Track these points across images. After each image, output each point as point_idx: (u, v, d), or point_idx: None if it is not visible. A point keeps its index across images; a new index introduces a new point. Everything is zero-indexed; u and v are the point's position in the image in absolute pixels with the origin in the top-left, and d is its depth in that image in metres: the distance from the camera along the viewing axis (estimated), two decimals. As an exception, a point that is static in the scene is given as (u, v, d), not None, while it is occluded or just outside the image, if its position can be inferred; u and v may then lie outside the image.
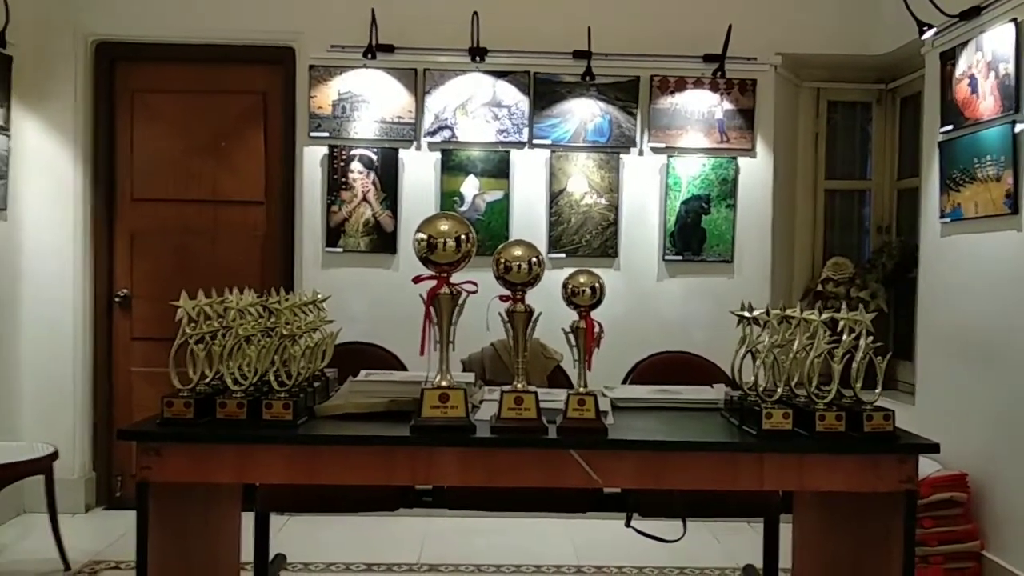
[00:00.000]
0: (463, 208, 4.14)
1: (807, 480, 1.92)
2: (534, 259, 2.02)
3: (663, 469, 1.90)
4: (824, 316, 1.97)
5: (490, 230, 4.12)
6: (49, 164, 4.09)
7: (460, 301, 1.98)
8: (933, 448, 1.92)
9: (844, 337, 1.98)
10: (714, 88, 4.17)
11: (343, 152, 4.12)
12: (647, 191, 4.20)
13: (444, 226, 1.97)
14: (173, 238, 4.25)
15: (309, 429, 1.96)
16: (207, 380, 2.01)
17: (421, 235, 1.97)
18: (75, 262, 4.13)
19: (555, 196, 4.16)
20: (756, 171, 4.23)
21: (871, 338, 1.96)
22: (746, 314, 2.09)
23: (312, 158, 4.15)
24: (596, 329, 2.01)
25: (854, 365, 1.95)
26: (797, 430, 1.92)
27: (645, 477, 1.93)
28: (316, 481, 1.97)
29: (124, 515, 4.14)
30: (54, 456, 3.32)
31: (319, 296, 2.36)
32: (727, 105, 4.18)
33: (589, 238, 4.18)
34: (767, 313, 2.03)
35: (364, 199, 4.14)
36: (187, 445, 1.89)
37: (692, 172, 4.18)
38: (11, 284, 4.00)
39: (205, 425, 1.91)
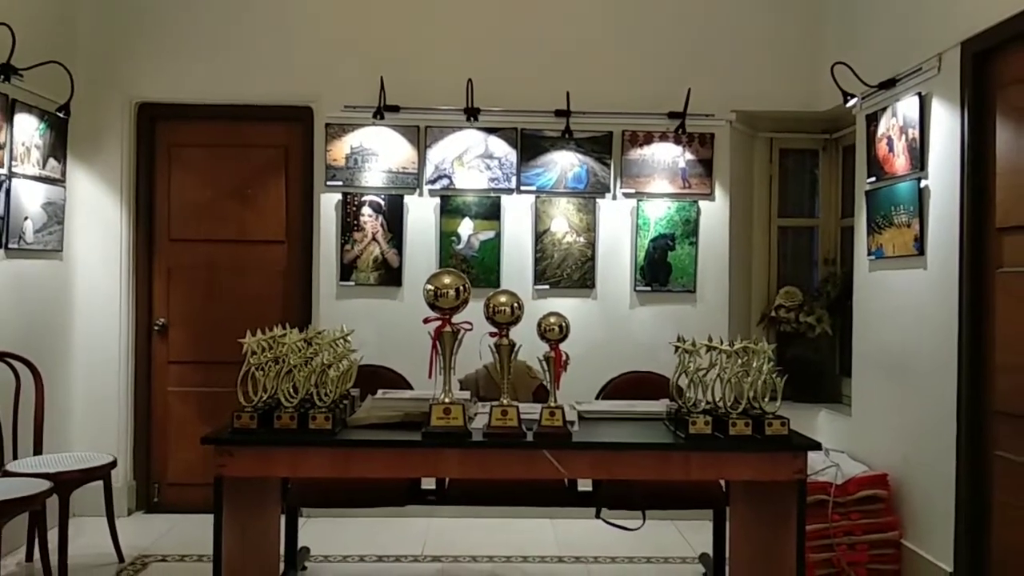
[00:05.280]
0: (460, 246, 4.75)
1: (723, 471, 2.53)
2: (516, 304, 2.63)
3: (613, 463, 2.51)
4: (737, 347, 2.58)
5: (483, 265, 4.73)
6: (98, 210, 4.68)
7: (459, 337, 2.59)
8: (816, 446, 2.53)
9: (754, 363, 2.59)
10: (677, 141, 4.80)
11: (355, 198, 4.73)
12: (620, 230, 4.81)
13: (447, 279, 2.59)
14: (205, 273, 4.84)
15: (344, 436, 2.56)
16: (263, 398, 2.61)
17: (429, 286, 2.59)
18: (120, 295, 4.71)
19: (540, 235, 4.77)
20: (715, 212, 4.85)
21: (772, 363, 2.56)
22: (680, 344, 2.69)
23: (328, 203, 4.76)
24: (564, 358, 2.61)
25: (760, 383, 2.56)
26: (716, 434, 2.52)
27: (599, 470, 2.54)
28: (350, 475, 2.56)
29: (162, 518, 4.71)
30: (113, 464, 3.90)
31: (346, 331, 2.95)
32: (689, 156, 4.81)
33: (570, 271, 4.79)
34: (693, 344, 2.64)
35: (373, 239, 4.75)
36: (253, 448, 2.48)
37: (659, 214, 4.80)
38: (65, 315, 4.59)
39: (266, 432, 2.51)
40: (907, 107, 3.88)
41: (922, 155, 3.77)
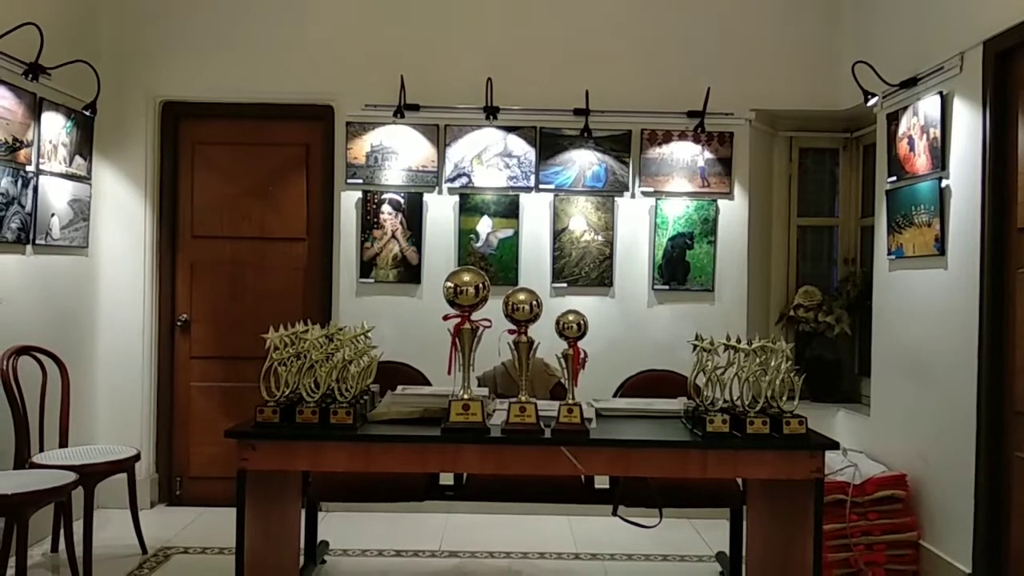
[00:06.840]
0: (478, 244, 4.77)
1: (739, 470, 2.54)
2: (534, 302, 2.65)
3: (630, 461, 2.53)
4: (755, 346, 2.59)
5: (502, 263, 4.75)
6: (123, 207, 4.75)
7: (478, 334, 2.61)
8: (834, 446, 2.53)
9: (772, 362, 2.60)
10: (696, 140, 4.80)
11: (375, 196, 4.77)
12: (638, 229, 4.82)
13: (466, 277, 2.61)
14: (227, 270, 4.89)
15: (364, 430, 2.60)
16: (286, 393, 2.65)
17: (449, 284, 2.62)
18: (144, 291, 4.78)
19: (558, 234, 4.79)
20: (734, 211, 4.84)
21: (790, 362, 2.57)
22: (698, 343, 2.70)
23: (348, 201, 4.80)
24: (582, 356, 2.63)
25: (778, 382, 2.56)
26: (733, 432, 2.54)
27: (616, 467, 2.55)
28: (370, 469, 2.60)
29: (184, 511, 4.78)
30: (137, 457, 3.96)
31: (367, 327, 2.98)
32: (708, 154, 4.81)
33: (588, 270, 4.80)
34: (711, 342, 2.65)
35: (393, 237, 4.79)
36: (275, 442, 2.52)
37: (677, 213, 4.80)
38: (90, 311, 4.66)
39: (288, 427, 2.55)
40: (928, 106, 3.86)
41: (943, 154, 3.75)
